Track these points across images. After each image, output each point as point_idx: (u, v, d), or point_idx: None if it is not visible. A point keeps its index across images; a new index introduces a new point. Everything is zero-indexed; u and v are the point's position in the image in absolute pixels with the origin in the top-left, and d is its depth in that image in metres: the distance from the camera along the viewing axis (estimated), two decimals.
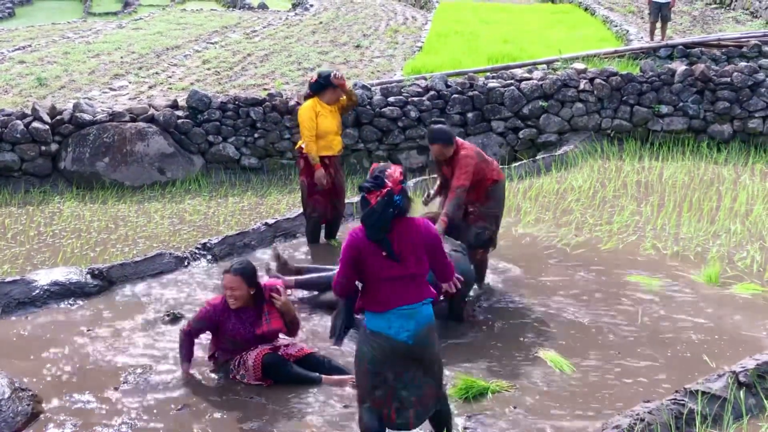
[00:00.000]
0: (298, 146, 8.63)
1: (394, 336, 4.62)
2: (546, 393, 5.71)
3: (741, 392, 5.24)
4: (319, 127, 8.34)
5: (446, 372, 5.94)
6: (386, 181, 4.62)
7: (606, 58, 16.14)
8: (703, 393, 5.15)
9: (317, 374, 5.87)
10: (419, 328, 4.66)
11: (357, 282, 4.76)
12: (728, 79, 13.67)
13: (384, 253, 4.59)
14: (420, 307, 4.68)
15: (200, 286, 7.68)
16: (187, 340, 5.99)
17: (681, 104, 13.66)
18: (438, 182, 7.53)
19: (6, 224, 10.36)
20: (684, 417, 5.00)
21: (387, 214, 4.57)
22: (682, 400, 5.12)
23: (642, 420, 4.88)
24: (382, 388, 4.69)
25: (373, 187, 4.60)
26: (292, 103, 13.21)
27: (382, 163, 4.88)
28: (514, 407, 5.51)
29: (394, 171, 4.71)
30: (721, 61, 16.19)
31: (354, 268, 4.66)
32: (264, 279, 6.35)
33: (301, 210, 9.16)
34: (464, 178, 6.96)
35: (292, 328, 6.07)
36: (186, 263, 8.16)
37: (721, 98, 13.61)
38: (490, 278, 7.65)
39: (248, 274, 5.86)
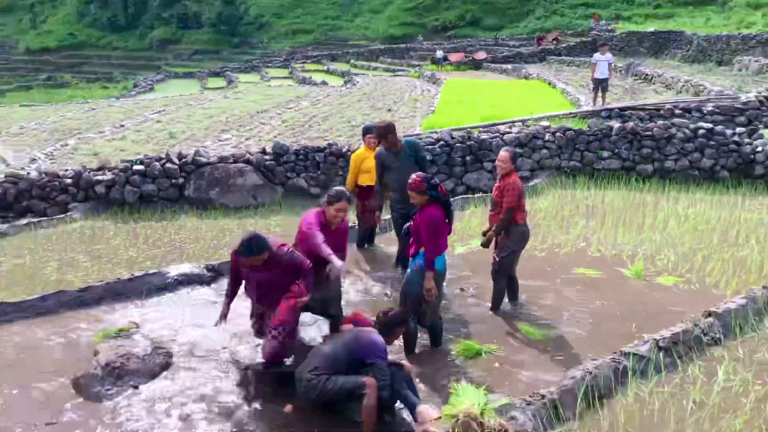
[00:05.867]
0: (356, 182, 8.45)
1: (441, 269, 5.62)
2: (522, 354, 5.70)
3: (660, 354, 5.21)
4: (365, 165, 8.19)
5: (451, 337, 5.97)
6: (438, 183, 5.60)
7: (564, 117, 16.06)
8: (634, 354, 5.12)
9: None
10: (444, 262, 5.68)
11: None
12: (650, 133, 13.51)
13: (447, 221, 5.57)
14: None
15: None
16: None
17: (616, 150, 13.53)
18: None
19: (147, 234, 10.51)
20: (620, 371, 4.98)
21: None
22: (619, 359, 5.10)
23: (590, 373, 4.86)
24: (429, 306, 5.63)
25: (439, 184, 5.58)
26: (344, 150, 13.27)
27: (421, 173, 5.67)
28: (501, 364, 5.51)
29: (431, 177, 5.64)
30: (645, 119, 15.98)
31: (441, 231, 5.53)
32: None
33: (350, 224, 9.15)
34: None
35: None
36: None
37: (645, 146, 13.44)
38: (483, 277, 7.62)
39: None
